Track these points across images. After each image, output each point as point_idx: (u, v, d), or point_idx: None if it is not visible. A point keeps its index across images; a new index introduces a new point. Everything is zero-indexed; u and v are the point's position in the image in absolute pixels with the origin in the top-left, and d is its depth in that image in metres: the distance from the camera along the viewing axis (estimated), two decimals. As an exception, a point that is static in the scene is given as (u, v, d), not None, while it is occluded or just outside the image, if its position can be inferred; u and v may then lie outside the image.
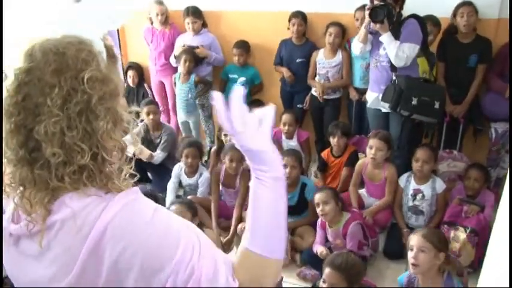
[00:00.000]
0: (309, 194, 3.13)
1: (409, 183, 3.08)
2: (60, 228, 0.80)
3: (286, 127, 3.83)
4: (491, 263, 1.01)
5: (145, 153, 3.67)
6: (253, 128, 0.87)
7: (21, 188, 0.83)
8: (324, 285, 2.17)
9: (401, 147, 3.27)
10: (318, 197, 2.81)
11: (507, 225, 0.87)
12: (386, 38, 3.05)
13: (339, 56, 3.82)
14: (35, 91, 0.80)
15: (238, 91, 0.88)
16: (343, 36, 3.80)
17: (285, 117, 3.85)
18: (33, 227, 0.80)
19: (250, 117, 0.88)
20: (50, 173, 0.80)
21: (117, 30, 4.50)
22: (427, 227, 2.38)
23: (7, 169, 0.84)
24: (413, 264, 2.20)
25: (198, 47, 4.12)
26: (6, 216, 0.86)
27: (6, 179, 0.84)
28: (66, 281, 0.81)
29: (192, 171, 3.47)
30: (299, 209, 3.20)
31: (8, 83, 0.82)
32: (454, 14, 3.38)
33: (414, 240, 2.23)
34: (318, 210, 2.80)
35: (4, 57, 1.09)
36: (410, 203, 3.05)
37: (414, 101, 3.01)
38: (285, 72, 4.04)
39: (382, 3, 2.97)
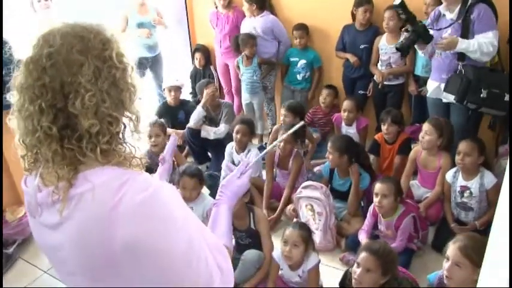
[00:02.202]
0: (362, 183, 3.12)
1: (456, 179, 2.93)
2: (79, 200, 0.88)
3: (346, 113, 3.82)
4: (491, 263, 1.00)
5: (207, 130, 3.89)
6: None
7: (48, 163, 0.91)
8: (358, 270, 2.10)
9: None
10: (378, 187, 2.70)
11: (507, 225, 0.87)
12: (462, 46, 2.84)
13: (402, 41, 3.69)
14: (61, 72, 0.87)
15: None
16: (400, 19, 3.62)
17: (346, 103, 3.82)
18: (56, 197, 0.89)
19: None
20: (80, 147, 0.89)
21: (186, 13, 4.68)
22: (469, 235, 2.13)
23: (28, 149, 0.93)
24: (447, 277, 2.04)
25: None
26: (30, 188, 0.96)
27: (28, 158, 0.95)
28: (78, 251, 0.90)
29: (241, 147, 3.55)
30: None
31: (29, 69, 0.89)
32: None
33: (450, 251, 2.02)
34: (375, 200, 2.71)
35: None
36: (459, 200, 2.92)
37: (483, 93, 2.80)
38: (350, 57, 3.99)
39: None
